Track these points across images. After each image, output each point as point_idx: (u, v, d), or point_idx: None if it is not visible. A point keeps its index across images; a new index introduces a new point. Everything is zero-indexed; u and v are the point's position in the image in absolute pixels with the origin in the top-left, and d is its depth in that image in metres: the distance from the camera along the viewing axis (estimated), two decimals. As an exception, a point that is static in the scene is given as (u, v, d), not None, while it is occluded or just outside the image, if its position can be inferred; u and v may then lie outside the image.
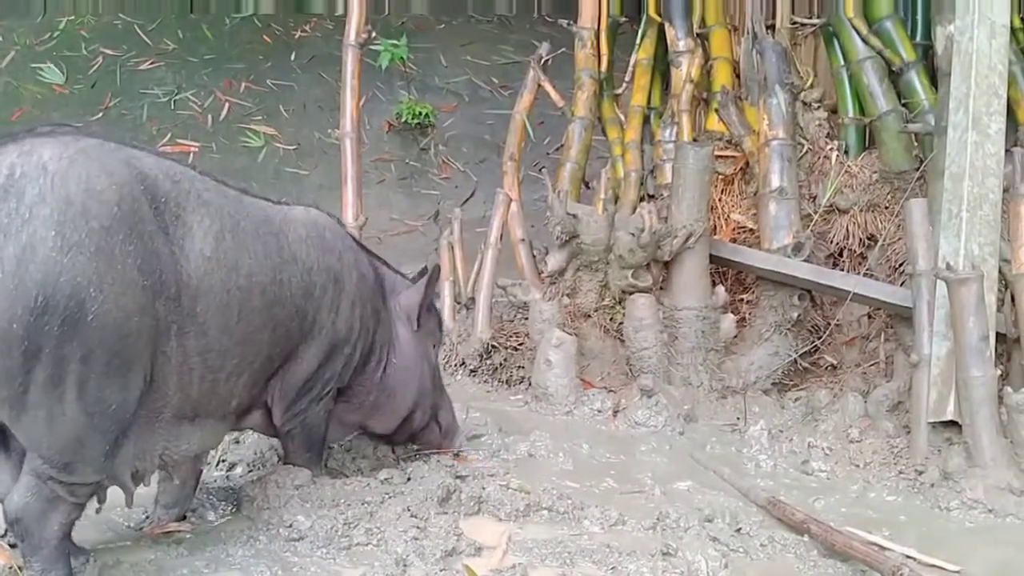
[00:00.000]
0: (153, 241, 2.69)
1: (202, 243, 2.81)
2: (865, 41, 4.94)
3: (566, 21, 5.54)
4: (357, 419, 3.63)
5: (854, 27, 4.97)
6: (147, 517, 3.26)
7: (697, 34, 5.27)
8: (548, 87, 5.33)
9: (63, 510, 2.75)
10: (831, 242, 4.89)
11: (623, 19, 5.60)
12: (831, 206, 4.88)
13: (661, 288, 4.73)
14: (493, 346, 4.76)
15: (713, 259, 4.75)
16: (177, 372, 2.80)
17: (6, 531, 2.96)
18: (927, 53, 4.94)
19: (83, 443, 2.64)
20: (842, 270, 4.80)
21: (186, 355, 2.80)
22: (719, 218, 4.95)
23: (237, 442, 3.79)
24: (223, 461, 3.69)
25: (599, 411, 4.44)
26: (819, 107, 5.07)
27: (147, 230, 2.67)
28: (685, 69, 5.15)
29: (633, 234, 4.57)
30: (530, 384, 4.62)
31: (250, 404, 3.19)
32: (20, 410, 2.58)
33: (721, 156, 4.99)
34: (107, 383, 2.61)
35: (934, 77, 4.79)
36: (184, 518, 3.27)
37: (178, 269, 2.75)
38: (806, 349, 4.75)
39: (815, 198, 4.93)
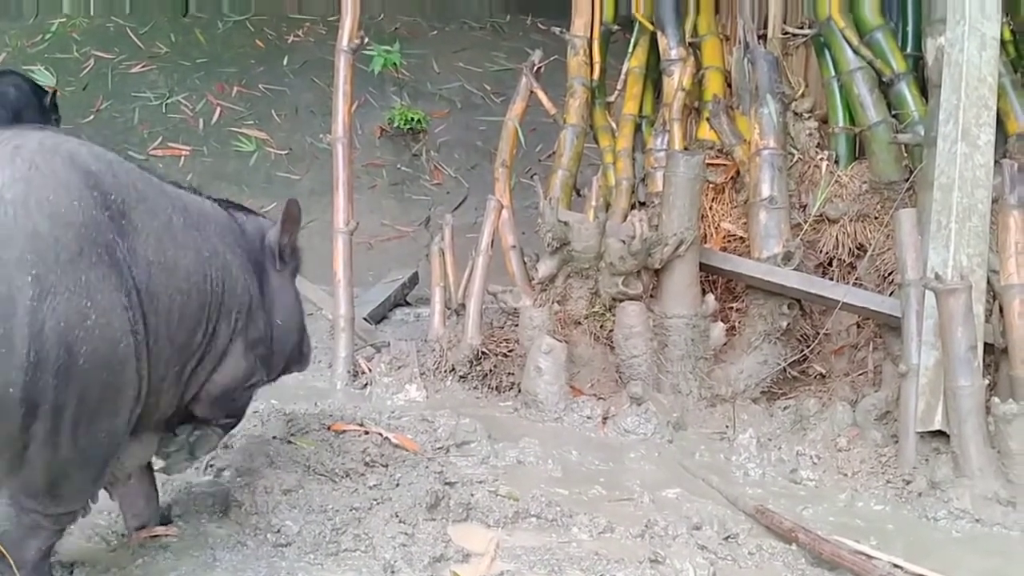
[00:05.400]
0: (115, 252, 2.45)
1: (145, 244, 2.55)
2: (856, 52, 4.95)
3: (559, 29, 5.55)
4: None
5: (845, 38, 4.98)
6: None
7: (689, 43, 5.27)
8: (540, 94, 5.33)
9: (44, 537, 2.65)
10: (821, 251, 4.89)
11: (616, 27, 5.61)
12: (821, 215, 4.88)
13: (651, 296, 4.73)
14: (483, 352, 4.76)
15: (703, 267, 4.75)
16: (157, 385, 2.65)
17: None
18: (917, 64, 4.96)
19: (71, 476, 2.52)
20: (831, 279, 4.81)
21: (157, 366, 2.62)
22: (709, 226, 4.96)
23: (226, 447, 3.78)
24: (211, 466, 3.67)
25: (588, 418, 4.44)
26: (810, 117, 5.07)
27: (107, 239, 2.43)
28: (677, 78, 5.16)
29: (624, 241, 4.57)
30: (520, 391, 4.61)
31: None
32: (18, 466, 2.43)
33: (712, 165, 4.99)
34: (99, 416, 2.47)
35: (924, 88, 4.80)
36: (171, 522, 3.26)
37: (135, 274, 2.50)
38: (795, 358, 4.75)
39: (805, 207, 4.93)
